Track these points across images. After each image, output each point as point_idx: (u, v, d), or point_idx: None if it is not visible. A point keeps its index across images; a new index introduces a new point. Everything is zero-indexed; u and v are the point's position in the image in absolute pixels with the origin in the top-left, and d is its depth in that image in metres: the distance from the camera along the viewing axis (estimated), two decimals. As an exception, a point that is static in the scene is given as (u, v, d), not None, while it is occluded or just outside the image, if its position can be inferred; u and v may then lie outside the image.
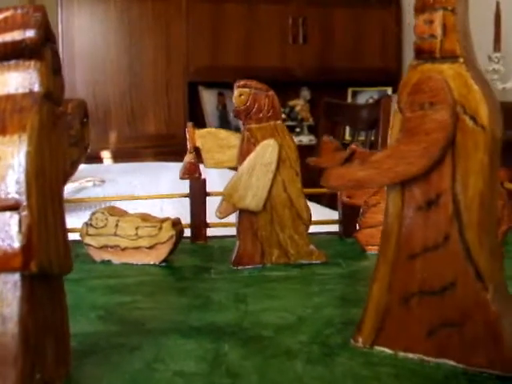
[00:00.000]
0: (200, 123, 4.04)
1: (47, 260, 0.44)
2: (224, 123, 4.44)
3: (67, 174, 0.52)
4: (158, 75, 4.51)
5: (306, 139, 4.47)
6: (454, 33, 0.48)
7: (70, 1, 4.31)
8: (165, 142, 4.28)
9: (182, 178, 0.85)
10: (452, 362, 0.51)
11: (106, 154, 4.30)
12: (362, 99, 4.62)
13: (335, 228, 1.01)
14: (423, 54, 0.50)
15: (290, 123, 4.52)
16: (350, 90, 4.79)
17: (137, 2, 4.49)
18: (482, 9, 3.68)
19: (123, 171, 2.61)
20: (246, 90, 0.80)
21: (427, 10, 0.49)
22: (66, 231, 0.49)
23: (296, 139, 4.63)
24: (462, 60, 0.48)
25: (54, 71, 0.49)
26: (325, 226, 1.03)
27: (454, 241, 0.49)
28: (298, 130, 4.57)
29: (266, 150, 0.79)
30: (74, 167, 0.53)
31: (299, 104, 4.62)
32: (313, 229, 0.90)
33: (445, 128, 0.48)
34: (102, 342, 0.58)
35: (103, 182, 2.02)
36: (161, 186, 2.01)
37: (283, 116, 4.43)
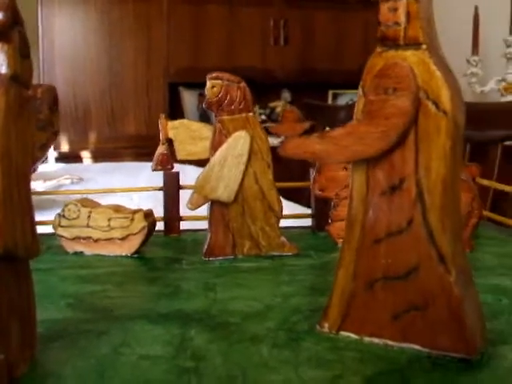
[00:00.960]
0: (180, 124, 4.02)
1: (13, 242, 0.44)
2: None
3: (35, 158, 0.52)
4: (138, 76, 4.50)
5: (286, 141, 4.47)
6: (418, 20, 0.49)
7: (50, 1, 4.30)
8: (145, 143, 4.27)
9: (154, 170, 0.85)
10: (416, 346, 0.52)
11: (85, 154, 4.29)
12: (342, 101, 4.64)
13: (308, 223, 1.01)
14: (387, 41, 0.50)
15: (270, 124, 4.52)
16: (330, 92, 4.80)
17: (118, 3, 4.48)
18: (461, 13, 3.72)
19: (102, 170, 2.61)
20: (218, 81, 0.80)
21: (391, -2, 0.50)
22: (33, 215, 0.49)
23: (276, 140, 4.63)
24: (424, 47, 0.49)
25: (22, 55, 0.49)
26: (298, 220, 1.03)
27: (417, 225, 0.50)
28: (278, 131, 4.56)
29: (238, 142, 0.79)
30: (42, 151, 0.53)
31: (280, 105, 4.62)
32: (286, 223, 0.90)
33: (405, 114, 0.48)
34: (70, 327, 0.58)
35: (81, 179, 2.01)
36: (139, 184, 2.01)
37: (263, 117, 4.45)
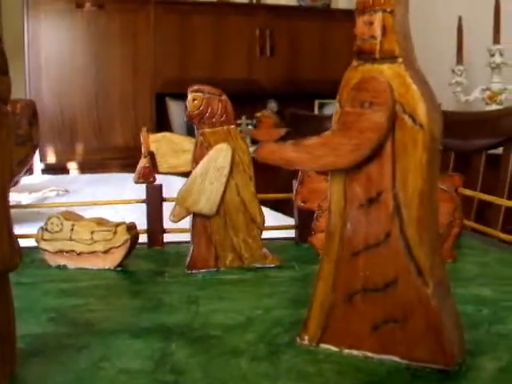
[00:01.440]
0: (167, 135, 4.03)
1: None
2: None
3: (14, 173, 0.52)
4: (125, 86, 4.50)
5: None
6: (393, 34, 0.49)
7: (36, 10, 4.30)
8: (132, 154, 4.27)
9: (136, 183, 0.85)
10: (396, 358, 0.52)
11: (72, 166, 4.29)
12: (328, 111, 4.65)
13: (293, 234, 1.01)
14: (364, 54, 0.51)
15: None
16: (316, 102, 4.82)
17: (104, 13, 4.49)
18: (445, 23, 3.74)
19: (88, 182, 2.60)
20: (200, 94, 0.81)
21: (367, 12, 0.50)
22: (11, 228, 0.49)
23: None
24: (400, 60, 0.49)
25: (0, 71, 0.49)
26: (282, 231, 1.04)
27: (394, 238, 0.50)
28: (265, 141, 4.57)
29: (220, 154, 0.80)
30: (21, 166, 0.53)
31: (266, 115, 4.63)
32: (270, 234, 0.90)
33: (379, 130, 0.49)
34: (51, 342, 0.58)
35: (67, 191, 2.01)
36: (124, 196, 2.01)
37: (250, 127, 4.45)
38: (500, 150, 1.83)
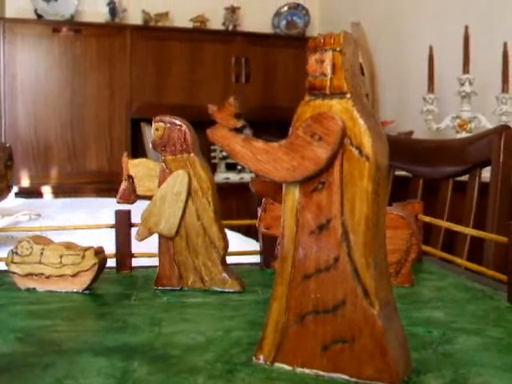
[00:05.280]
0: (142, 160, 4.04)
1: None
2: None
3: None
4: (100, 111, 4.52)
5: (248, 176, 4.52)
6: (342, 71, 0.53)
7: (13, 34, 4.32)
8: (107, 179, 4.29)
9: (118, 202, 0.90)
10: (345, 376, 0.55)
11: (46, 190, 4.29)
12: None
13: (258, 259, 1.04)
14: (315, 90, 0.54)
15: (232, 161, 4.57)
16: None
17: (81, 38, 4.52)
18: (416, 52, 3.81)
19: (62, 206, 2.61)
20: (161, 124, 0.86)
21: (318, 51, 0.54)
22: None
23: (237, 176, 4.65)
24: (349, 96, 0.53)
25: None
26: (249, 257, 1.06)
27: (343, 262, 0.54)
28: (239, 167, 4.61)
29: (176, 180, 0.85)
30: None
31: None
32: (237, 260, 0.93)
33: (317, 164, 0.53)
34: (18, 361, 0.60)
35: (39, 215, 2.02)
36: (100, 221, 2.01)
37: (224, 154, 4.49)
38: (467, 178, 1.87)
